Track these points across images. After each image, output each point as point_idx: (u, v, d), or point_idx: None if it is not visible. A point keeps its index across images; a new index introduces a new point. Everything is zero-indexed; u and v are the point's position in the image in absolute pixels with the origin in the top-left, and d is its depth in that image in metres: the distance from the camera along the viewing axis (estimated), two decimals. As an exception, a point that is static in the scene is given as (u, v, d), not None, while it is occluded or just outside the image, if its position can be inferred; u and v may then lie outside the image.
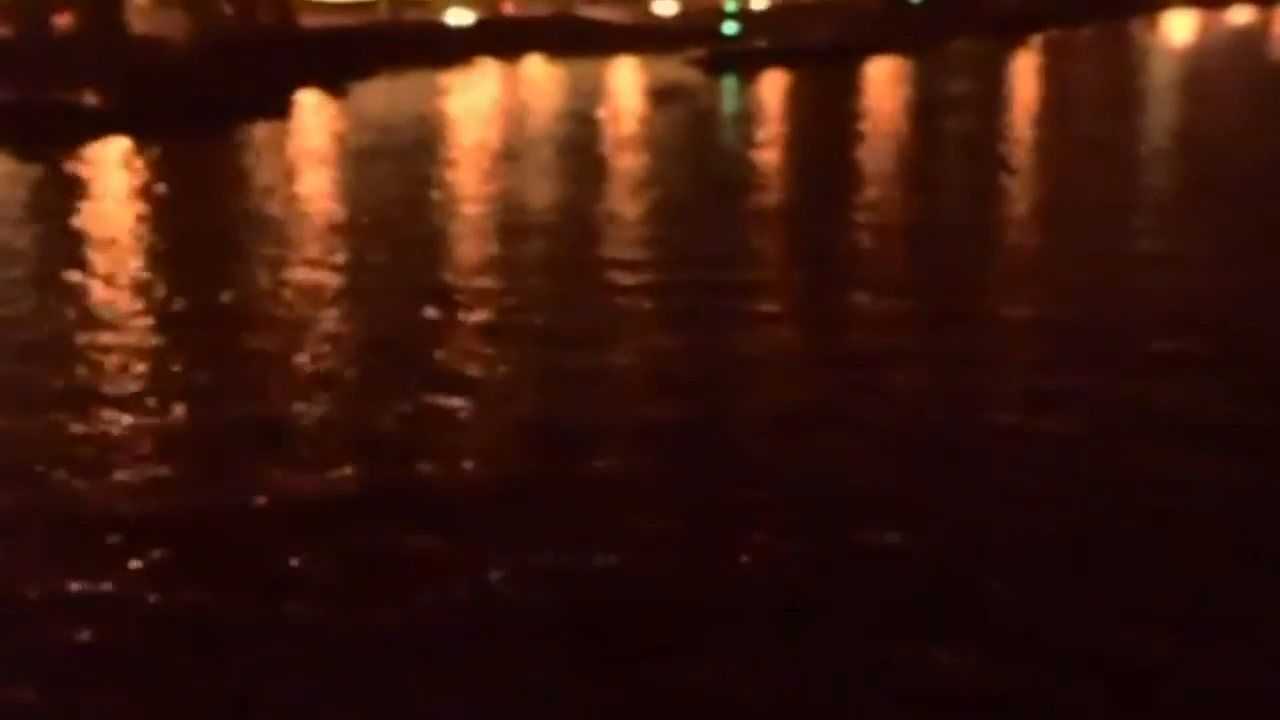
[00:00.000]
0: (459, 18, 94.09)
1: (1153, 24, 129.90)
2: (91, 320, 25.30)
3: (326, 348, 23.28)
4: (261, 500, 16.86)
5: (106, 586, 14.59)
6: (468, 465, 17.95)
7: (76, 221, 35.65)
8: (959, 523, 15.92)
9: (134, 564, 15.09)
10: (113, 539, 15.79)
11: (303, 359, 22.67)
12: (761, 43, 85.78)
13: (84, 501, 16.99)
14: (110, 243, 32.49)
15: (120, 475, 17.75)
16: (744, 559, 15.09)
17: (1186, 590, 14.17)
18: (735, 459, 18.27)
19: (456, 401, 20.39)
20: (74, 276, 28.91)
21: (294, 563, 15.08)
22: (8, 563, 15.29)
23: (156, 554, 15.33)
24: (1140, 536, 15.47)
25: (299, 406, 20.26)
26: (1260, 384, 20.82)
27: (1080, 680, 12.40)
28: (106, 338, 24.04)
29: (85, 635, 13.58)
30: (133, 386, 21.29)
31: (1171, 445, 18.23)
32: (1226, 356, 22.16)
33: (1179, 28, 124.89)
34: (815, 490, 17.02)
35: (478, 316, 25.29)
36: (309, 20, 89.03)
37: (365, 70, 78.14)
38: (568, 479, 17.48)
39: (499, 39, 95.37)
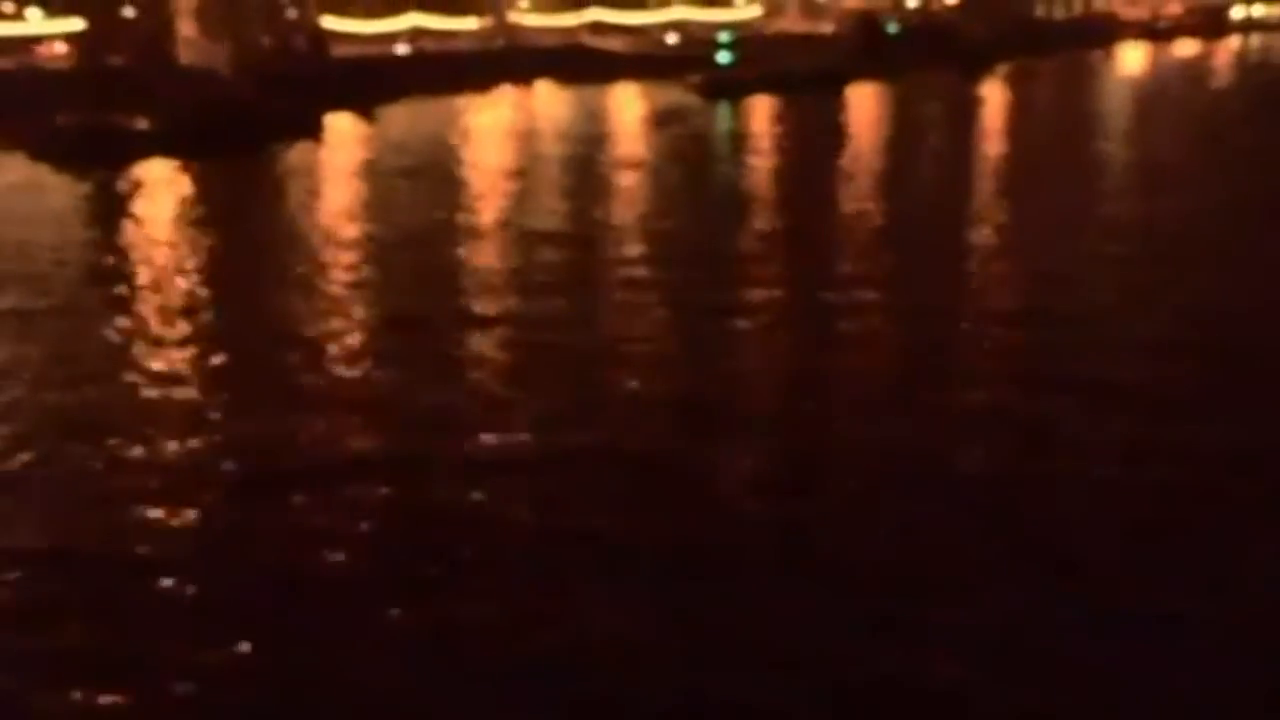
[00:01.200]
0: (401, 50, 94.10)
1: (1108, 55, 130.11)
2: (145, 312, 25.20)
3: (367, 337, 23.23)
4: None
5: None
6: (503, 441, 17.91)
7: (127, 227, 35.61)
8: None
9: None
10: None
11: (345, 349, 22.56)
12: (752, 70, 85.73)
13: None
14: (156, 246, 32.37)
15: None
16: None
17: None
18: (725, 418, 18.36)
19: (486, 380, 20.34)
20: (124, 274, 28.93)
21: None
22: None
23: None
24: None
25: (341, 389, 20.21)
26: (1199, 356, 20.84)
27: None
28: (157, 327, 23.99)
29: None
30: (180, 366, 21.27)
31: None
32: (1176, 342, 22.09)
33: (1132, 59, 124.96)
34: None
35: (505, 308, 25.32)
36: (340, 50, 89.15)
37: (391, 95, 78.12)
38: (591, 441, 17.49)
39: (514, 65, 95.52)
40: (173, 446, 17.94)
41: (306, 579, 13.96)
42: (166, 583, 13.86)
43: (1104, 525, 14.77)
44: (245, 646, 12.50)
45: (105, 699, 11.65)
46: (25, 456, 17.66)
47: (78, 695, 11.70)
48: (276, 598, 13.54)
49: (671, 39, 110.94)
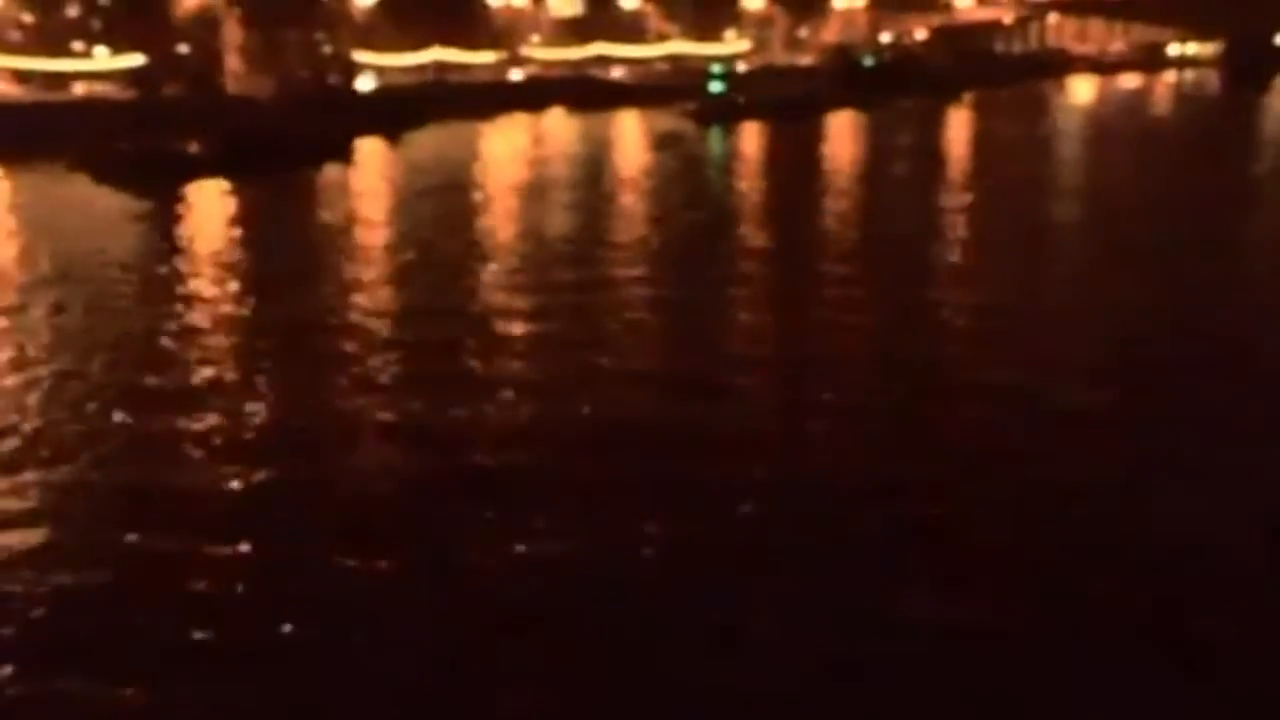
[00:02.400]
0: (363, 84, 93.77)
1: (1060, 86, 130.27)
2: (200, 319, 24.87)
3: (395, 328, 22.85)
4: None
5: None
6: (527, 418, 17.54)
7: (182, 238, 35.28)
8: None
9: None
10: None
11: (372, 358, 22.17)
12: (742, 98, 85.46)
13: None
14: (208, 253, 32.09)
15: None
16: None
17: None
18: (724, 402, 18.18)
19: (500, 363, 19.95)
20: (181, 276, 28.91)
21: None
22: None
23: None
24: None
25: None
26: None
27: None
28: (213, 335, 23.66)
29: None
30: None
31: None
32: (1124, 338, 21.73)
33: (1082, 90, 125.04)
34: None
35: (519, 303, 25.04)
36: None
37: (417, 121, 77.71)
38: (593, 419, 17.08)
39: (527, 94, 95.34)
40: (223, 420, 17.70)
41: (339, 531, 13.72)
42: (221, 545, 13.43)
43: (1107, 516, 14.33)
44: (295, 596, 12.16)
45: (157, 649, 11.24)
46: (82, 427, 17.42)
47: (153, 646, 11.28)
48: (318, 547, 13.26)
49: (617, 73, 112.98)
